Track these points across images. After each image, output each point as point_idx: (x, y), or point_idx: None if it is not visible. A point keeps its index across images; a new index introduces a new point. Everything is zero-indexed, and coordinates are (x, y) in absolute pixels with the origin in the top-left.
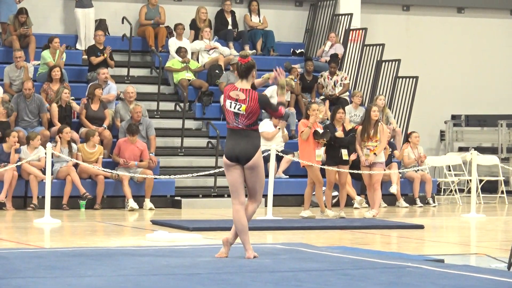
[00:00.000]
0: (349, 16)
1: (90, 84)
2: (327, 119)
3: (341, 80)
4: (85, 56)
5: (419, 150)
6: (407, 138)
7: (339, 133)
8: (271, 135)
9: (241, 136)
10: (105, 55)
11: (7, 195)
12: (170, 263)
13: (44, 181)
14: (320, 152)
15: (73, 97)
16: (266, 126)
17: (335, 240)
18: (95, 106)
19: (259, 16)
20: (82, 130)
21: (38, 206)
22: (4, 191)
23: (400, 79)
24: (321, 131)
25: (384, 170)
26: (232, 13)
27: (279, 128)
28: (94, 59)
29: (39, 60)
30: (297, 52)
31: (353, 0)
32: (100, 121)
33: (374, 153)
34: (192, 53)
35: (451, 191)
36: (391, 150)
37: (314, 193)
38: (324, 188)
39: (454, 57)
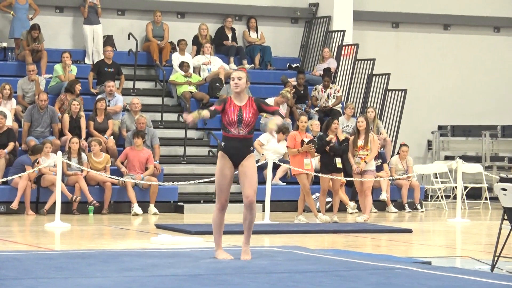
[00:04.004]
0: (342, 33)
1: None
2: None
3: (334, 93)
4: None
5: (407, 161)
6: (396, 148)
7: (330, 137)
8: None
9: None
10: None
11: (24, 201)
12: (173, 265)
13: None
14: (308, 161)
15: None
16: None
17: (329, 243)
18: (100, 119)
19: (257, 33)
20: (90, 139)
21: (47, 211)
22: (17, 199)
23: (390, 92)
24: (307, 139)
25: (375, 177)
26: (232, 30)
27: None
28: None
29: (50, 74)
30: (293, 66)
31: (345, 17)
32: (105, 132)
33: (365, 161)
34: (194, 68)
35: (437, 197)
36: (380, 161)
37: None
38: (318, 194)
39: (441, 71)
